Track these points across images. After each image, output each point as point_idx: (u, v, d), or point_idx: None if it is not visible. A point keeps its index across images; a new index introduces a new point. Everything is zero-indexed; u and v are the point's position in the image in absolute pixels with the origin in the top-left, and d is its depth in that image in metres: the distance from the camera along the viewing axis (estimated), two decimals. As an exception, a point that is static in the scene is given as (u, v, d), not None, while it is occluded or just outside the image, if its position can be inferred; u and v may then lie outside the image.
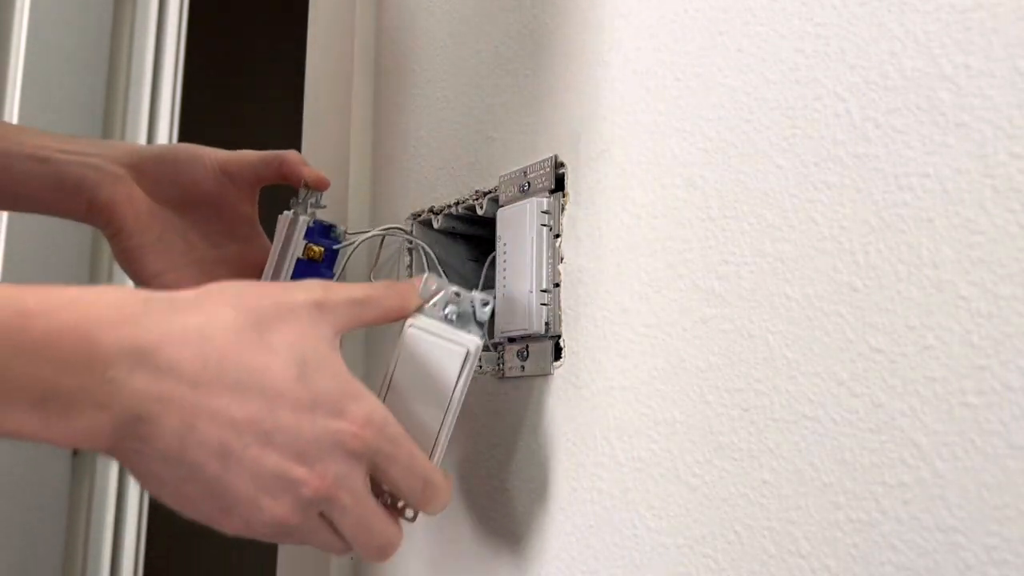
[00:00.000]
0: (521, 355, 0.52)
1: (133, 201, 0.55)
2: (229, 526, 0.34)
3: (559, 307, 0.50)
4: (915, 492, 0.33)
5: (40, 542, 1.27)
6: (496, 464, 0.54)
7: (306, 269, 0.54)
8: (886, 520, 0.34)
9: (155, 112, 1.45)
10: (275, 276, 0.54)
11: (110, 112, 1.41)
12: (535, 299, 0.50)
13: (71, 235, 1.29)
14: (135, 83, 1.44)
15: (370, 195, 0.71)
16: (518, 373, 0.52)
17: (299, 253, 0.54)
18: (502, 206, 0.54)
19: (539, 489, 0.50)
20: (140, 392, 0.30)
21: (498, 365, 0.54)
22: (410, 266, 0.63)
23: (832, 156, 0.37)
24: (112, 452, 0.31)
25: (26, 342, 0.28)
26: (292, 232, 0.54)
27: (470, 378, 0.43)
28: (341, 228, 0.57)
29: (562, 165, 0.51)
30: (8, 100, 1.25)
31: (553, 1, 0.54)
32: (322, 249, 0.55)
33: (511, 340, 0.53)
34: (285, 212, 0.55)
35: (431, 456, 0.42)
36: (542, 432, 0.51)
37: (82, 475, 1.38)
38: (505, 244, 0.53)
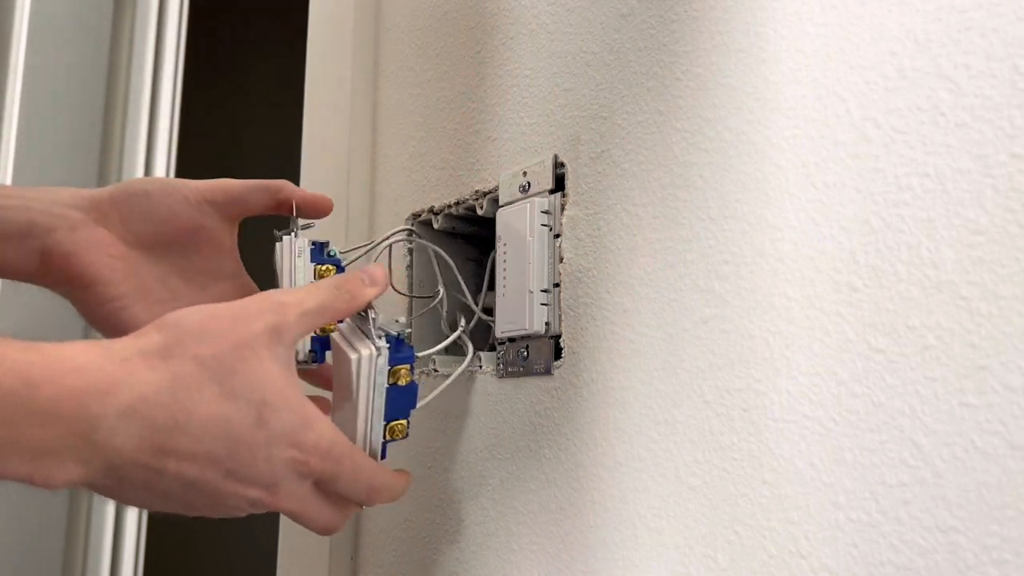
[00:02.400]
0: (521, 355, 0.52)
1: (102, 246, 0.48)
2: (188, 515, 0.40)
3: (559, 307, 0.50)
4: (915, 492, 0.33)
5: (40, 542, 1.27)
6: (496, 464, 0.54)
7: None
8: (886, 520, 0.34)
9: (155, 113, 1.45)
10: None
11: (110, 113, 1.41)
12: (535, 299, 0.50)
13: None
14: (135, 84, 1.44)
15: (370, 195, 0.71)
16: (518, 373, 0.52)
17: (311, 277, 0.49)
18: (502, 206, 0.54)
19: (539, 489, 0.50)
20: (117, 449, 0.35)
21: (498, 365, 0.54)
22: (410, 266, 0.63)
23: (832, 156, 0.37)
24: (86, 487, 0.36)
25: (33, 408, 0.32)
26: (297, 257, 0.49)
27: (375, 385, 0.44)
28: (334, 248, 0.52)
29: (562, 165, 0.51)
30: (8, 101, 1.25)
31: (553, 1, 0.54)
32: (333, 268, 0.50)
33: (511, 340, 0.53)
34: (284, 239, 0.50)
35: (373, 456, 0.45)
36: (542, 432, 0.51)
37: (82, 475, 1.37)
38: (505, 244, 0.53)
